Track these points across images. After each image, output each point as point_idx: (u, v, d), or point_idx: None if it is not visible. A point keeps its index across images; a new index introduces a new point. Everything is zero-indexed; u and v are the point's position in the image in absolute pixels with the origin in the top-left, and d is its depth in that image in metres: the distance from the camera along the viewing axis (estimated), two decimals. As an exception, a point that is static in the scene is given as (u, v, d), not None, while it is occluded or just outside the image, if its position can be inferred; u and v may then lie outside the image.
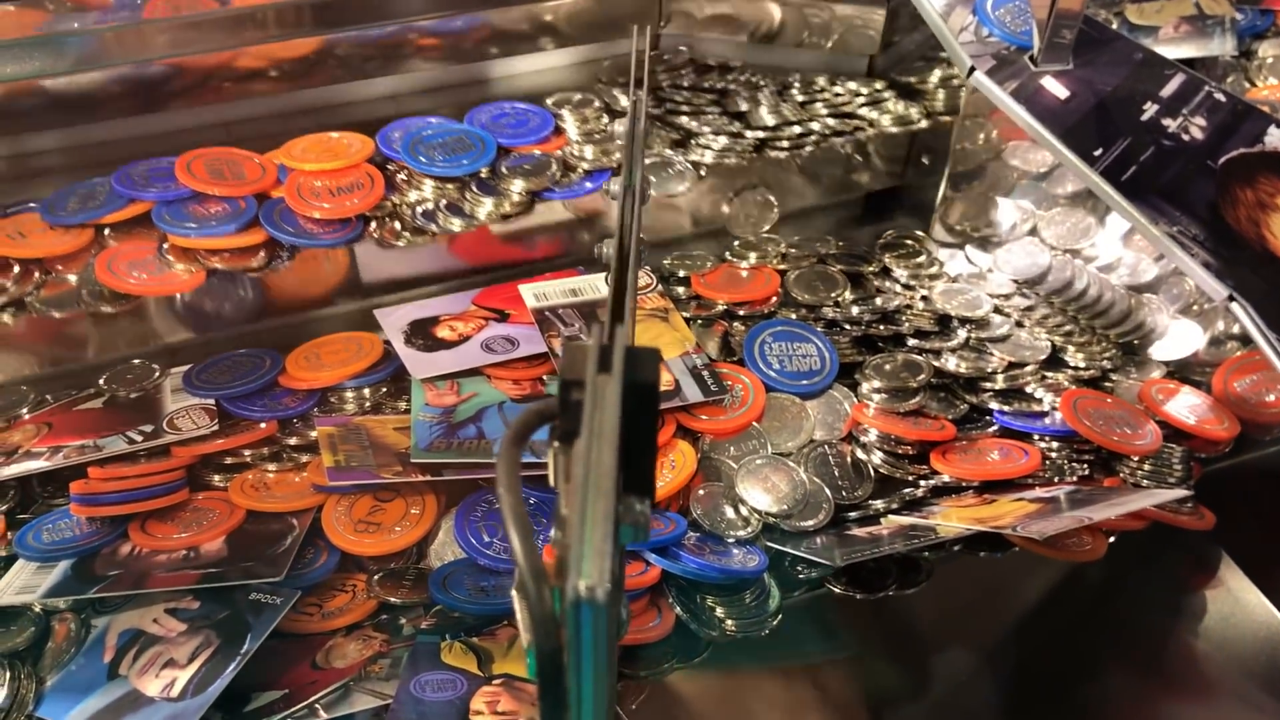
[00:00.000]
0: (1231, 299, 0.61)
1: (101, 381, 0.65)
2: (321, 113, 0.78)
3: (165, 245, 0.65)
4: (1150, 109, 0.69)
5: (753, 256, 0.73)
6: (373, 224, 0.68)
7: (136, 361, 0.66)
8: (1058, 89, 0.68)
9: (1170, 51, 0.84)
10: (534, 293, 0.70)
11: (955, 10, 0.72)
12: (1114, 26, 0.86)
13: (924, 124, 0.78)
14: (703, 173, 0.74)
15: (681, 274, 0.72)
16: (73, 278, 0.64)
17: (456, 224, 0.68)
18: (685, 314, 0.69)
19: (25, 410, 0.63)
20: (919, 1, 0.72)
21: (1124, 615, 0.59)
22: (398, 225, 0.68)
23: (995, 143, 0.77)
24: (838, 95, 0.80)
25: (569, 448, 0.29)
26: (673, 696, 0.53)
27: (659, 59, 0.83)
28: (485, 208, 0.69)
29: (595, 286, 0.71)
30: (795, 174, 0.79)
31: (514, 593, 0.28)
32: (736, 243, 0.74)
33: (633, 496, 0.30)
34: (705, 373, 0.64)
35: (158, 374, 0.65)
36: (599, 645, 0.25)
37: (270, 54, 0.74)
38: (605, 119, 0.76)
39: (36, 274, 0.64)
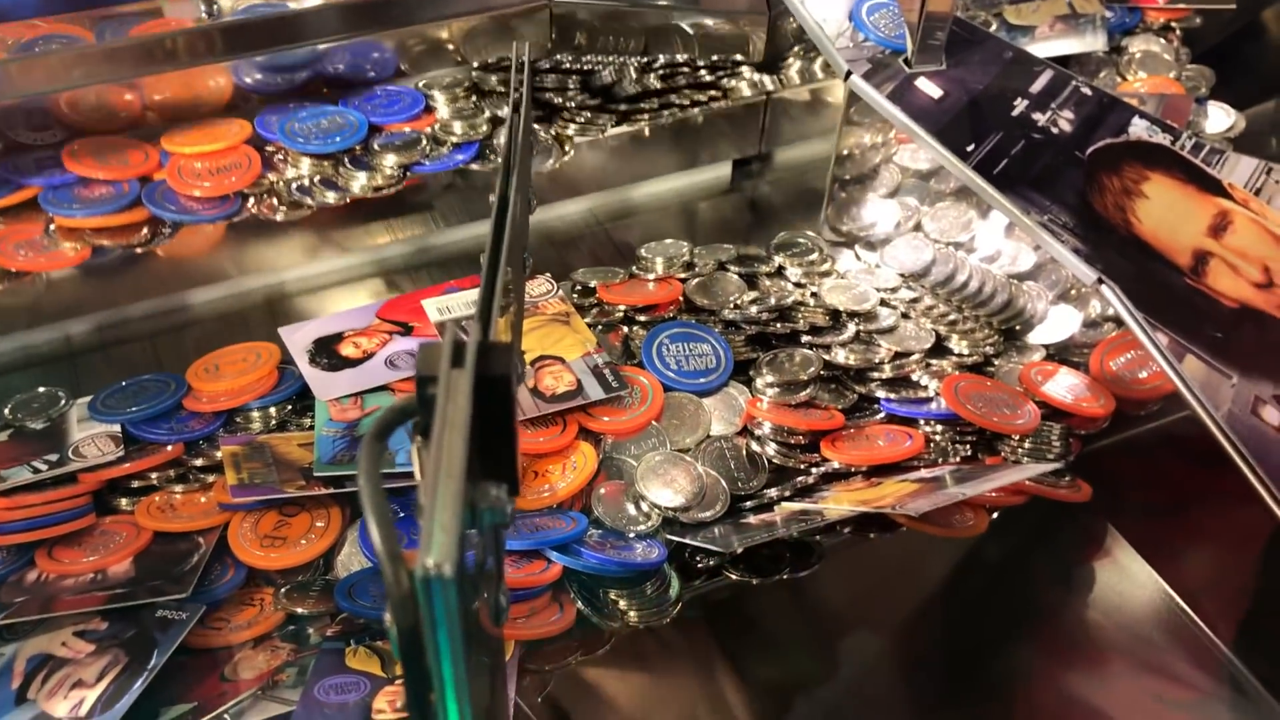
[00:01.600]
0: (1101, 282, 0.64)
1: (6, 411, 0.65)
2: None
3: (52, 227, 0.70)
4: (1020, 105, 0.72)
5: (659, 265, 0.75)
6: (250, 200, 0.73)
7: (41, 390, 0.67)
8: (931, 89, 0.71)
9: (1045, 49, 0.88)
10: (437, 306, 0.71)
11: (832, 18, 0.74)
12: (993, 28, 0.90)
13: (780, 93, 0.84)
14: (567, 148, 0.78)
15: (592, 284, 0.74)
16: None
17: (331, 197, 0.73)
18: (588, 319, 0.71)
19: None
20: (797, 10, 0.75)
21: (1015, 589, 0.62)
22: (274, 201, 0.73)
23: (878, 145, 0.80)
24: (698, 68, 0.84)
25: (428, 441, 0.31)
26: (580, 688, 0.55)
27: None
28: (359, 181, 0.74)
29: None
30: (656, 142, 0.84)
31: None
32: (643, 253, 0.76)
33: (490, 483, 0.31)
34: (606, 371, 0.66)
35: (64, 402, 0.66)
36: (452, 619, 0.27)
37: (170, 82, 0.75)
38: (474, 98, 0.80)
39: None
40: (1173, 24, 0.96)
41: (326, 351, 0.68)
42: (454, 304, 0.72)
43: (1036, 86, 0.73)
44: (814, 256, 0.76)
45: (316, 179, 0.74)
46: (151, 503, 0.60)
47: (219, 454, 0.62)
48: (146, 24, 0.77)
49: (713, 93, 0.83)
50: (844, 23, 0.74)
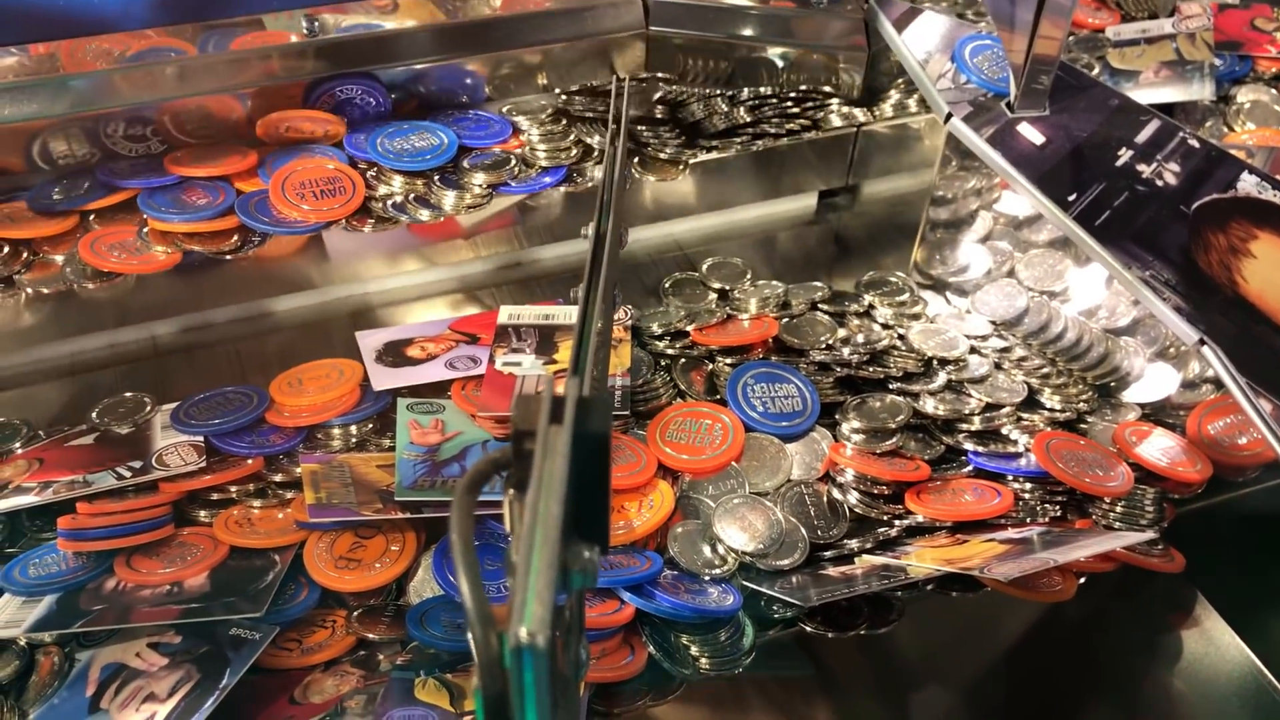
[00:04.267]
0: (1203, 343, 0.62)
1: (94, 415, 0.66)
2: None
3: (145, 229, 0.70)
4: (1125, 155, 0.70)
5: (753, 305, 0.74)
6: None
7: (128, 395, 0.68)
8: (1033, 135, 0.70)
9: (1151, 96, 0.86)
10: (510, 312, 0.73)
11: (934, 58, 0.73)
12: (1096, 72, 0.88)
13: (871, 125, 0.82)
14: (652, 178, 0.79)
15: (688, 329, 0.73)
16: (59, 258, 0.69)
17: (425, 214, 0.73)
18: (671, 350, 0.70)
19: (18, 444, 0.64)
20: (898, 49, 0.73)
21: (1098, 655, 0.60)
22: (366, 216, 0.73)
23: (975, 189, 0.79)
24: (786, 101, 0.83)
25: (522, 495, 0.30)
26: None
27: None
28: (449, 200, 0.74)
29: (568, 314, 0.73)
30: (742, 170, 0.83)
31: (468, 635, 0.29)
32: (737, 293, 0.76)
33: (583, 544, 0.30)
34: (618, 391, 0.66)
35: (149, 408, 0.66)
36: (541, 689, 0.26)
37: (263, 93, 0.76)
38: (563, 121, 0.80)
39: (25, 254, 0.69)
40: (1285, 73, 0.93)
41: (394, 352, 0.70)
42: (525, 313, 0.73)
43: (1142, 136, 0.71)
44: (904, 297, 0.75)
45: (410, 196, 0.74)
46: (230, 516, 0.60)
47: (298, 470, 0.62)
48: (245, 36, 0.78)
49: (802, 122, 0.82)
50: (946, 63, 0.73)
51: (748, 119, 0.80)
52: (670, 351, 0.70)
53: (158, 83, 0.73)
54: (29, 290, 0.67)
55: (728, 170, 0.83)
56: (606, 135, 0.75)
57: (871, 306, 0.74)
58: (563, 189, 0.77)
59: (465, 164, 0.76)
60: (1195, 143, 0.71)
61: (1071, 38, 0.88)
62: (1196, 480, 0.63)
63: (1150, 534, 0.60)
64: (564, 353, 0.68)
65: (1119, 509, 0.61)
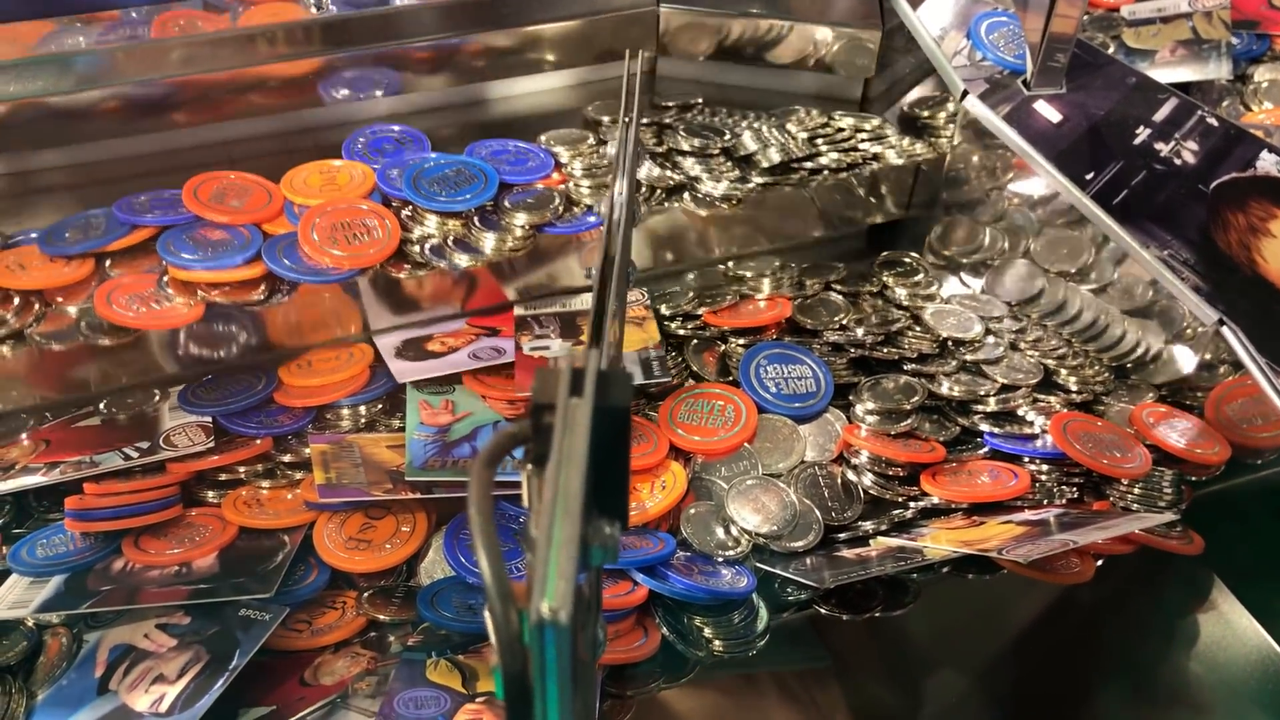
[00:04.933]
0: (1222, 323, 0.61)
1: (101, 406, 0.65)
2: (320, 132, 0.79)
3: (165, 278, 0.64)
4: (1143, 133, 0.69)
5: (766, 286, 0.73)
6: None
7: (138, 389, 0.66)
8: (1050, 113, 0.69)
9: (1166, 75, 0.85)
10: (524, 306, 0.72)
11: (949, 34, 0.72)
12: (1111, 50, 0.86)
13: (930, 156, 0.77)
14: (702, 211, 0.73)
15: (699, 312, 0.72)
16: (73, 310, 0.63)
17: (463, 260, 0.67)
18: (682, 331, 0.70)
19: (24, 432, 0.63)
20: (913, 25, 0.73)
21: (1115, 637, 0.60)
22: (405, 264, 0.67)
23: (988, 168, 0.78)
24: (840, 131, 0.78)
25: (541, 470, 0.30)
26: (660, 714, 0.53)
27: (653, 100, 0.83)
28: (489, 242, 0.67)
29: (583, 301, 0.72)
30: (798, 210, 0.78)
31: (485, 614, 0.28)
32: (749, 275, 0.75)
33: (603, 519, 0.30)
34: (655, 362, 0.65)
35: (157, 397, 0.65)
36: (563, 667, 0.26)
37: (270, 74, 0.75)
38: (602, 148, 0.75)
39: (36, 306, 0.63)
40: (1304, 52, 0.92)
41: (413, 347, 0.68)
42: (538, 304, 0.72)
43: (1160, 115, 0.71)
44: (919, 278, 0.74)
45: (449, 239, 0.68)
46: (238, 497, 0.60)
47: (307, 451, 0.61)
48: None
49: (860, 154, 0.77)
50: (961, 40, 0.72)
51: (801, 153, 0.75)
52: (681, 332, 0.70)
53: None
54: (39, 344, 0.62)
55: (778, 205, 0.77)
56: (648, 167, 0.72)
57: (886, 286, 0.74)
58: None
59: (506, 202, 0.70)
60: (1214, 121, 0.70)
61: (1086, 17, 0.87)
62: (1215, 462, 0.62)
63: (1170, 515, 0.59)
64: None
65: (1136, 490, 0.61)
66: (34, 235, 0.66)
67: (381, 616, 0.54)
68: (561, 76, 0.83)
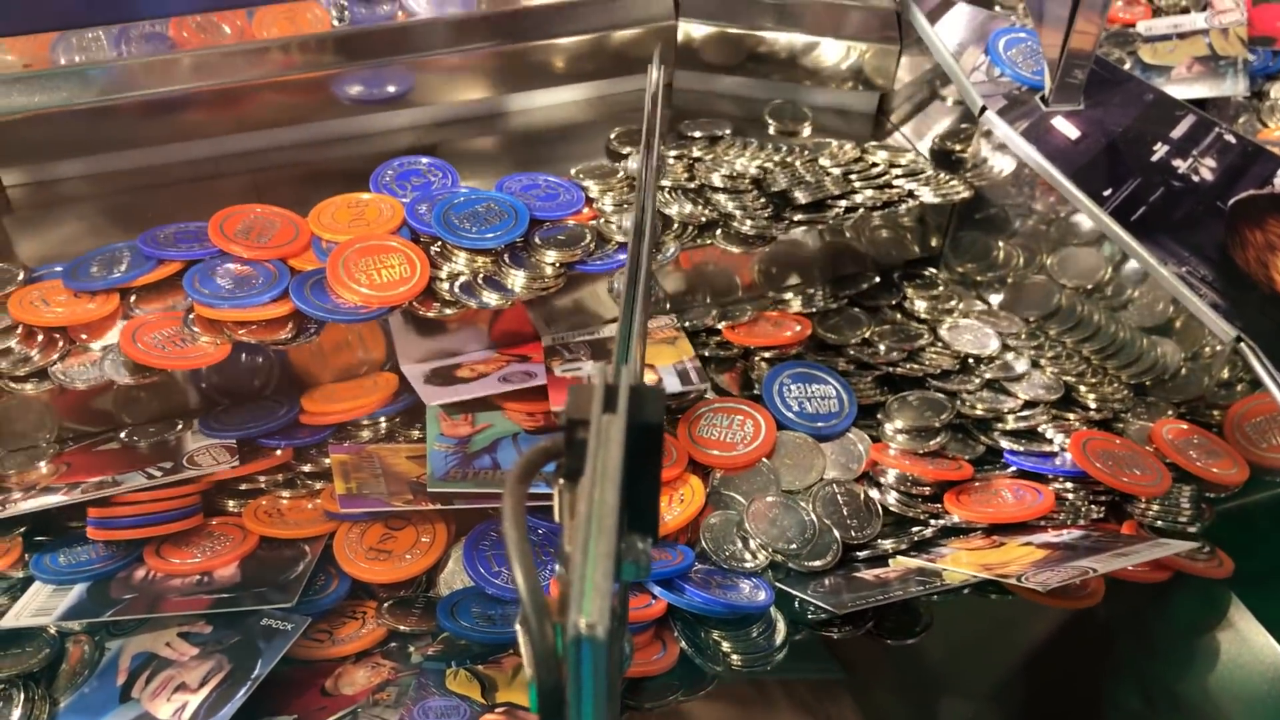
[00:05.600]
0: (1239, 340, 0.61)
1: (123, 435, 0.64)
2: (338, 144, 0.79)
3: (191, 315, 0.63)
4: (1160, 150, 0.69)
5: (797, 304, 0.74)
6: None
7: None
8: (1068, 129, 0.69)
9: (1183, 92, 0.85)
10: (551, 336, 0.72)
11: (967, 50, 0.72)
12: (1127, 66, 0.87)
13: (967, 195, 0.75)
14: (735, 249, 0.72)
15: (718, 326, 0.72)
16: (97, 347, 0.62)
17: (494, 299, 0.65)
18: (706, 352, 0.70)
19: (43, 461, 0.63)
20: (931, 41, 0.73)
21: (1130, 655, 0.59)
22: (434, 302, 0.66)
23: (1006, 184, 0.78)
24: (874, 166, 0.77)
25: (574, 485, 0.30)
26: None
27: (680, 129, 0.82)
28: (519, 280, 0.66)
29: (610, 329, 0.72)
30: (832, 248, 0.77)
31: (518, 626, 0.28)
32: (771, 290, 0.75)
33: (635, 534, 0.30)
34: (691, 371, 0.66)
35: (180, 426, 0.65)
36: (599, 681, 0.26)
37: (291, 85, 0.75)
38: (631, 182, 0.74)
39: (61, 342, 0.62)
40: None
41: (442, 375, 0.68)
42: (566, 335, 0.72)
43: (1178, 132, 0.71)
44: (938, 291, 0.74)
45: (480, 278, 0.66)
46: (259, 506, 0.60)
47: (327, 461, 0.61)
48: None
49: (895, 192, 0.75)
50: (979, 55, 0.72)
51: (836, 191, 0.73)
52: (705, 353, 0.70)
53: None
54: (63, 383, 0.60)
55: (813, 243, 0.76)
56: (684, 202, 0.71)
57: (906, 298, 0.74)
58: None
59: (536, 239, 0.68)
60: (1231, 138, 0.71)
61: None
62: (1233, 481, 0.62)
63: (1192, 544, 0.58)
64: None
65: (1155, 508, 0.60)
66: (58, 269, 0.65)
67: (401, 627, 0.54)
68: (580, 89, 0.83)
